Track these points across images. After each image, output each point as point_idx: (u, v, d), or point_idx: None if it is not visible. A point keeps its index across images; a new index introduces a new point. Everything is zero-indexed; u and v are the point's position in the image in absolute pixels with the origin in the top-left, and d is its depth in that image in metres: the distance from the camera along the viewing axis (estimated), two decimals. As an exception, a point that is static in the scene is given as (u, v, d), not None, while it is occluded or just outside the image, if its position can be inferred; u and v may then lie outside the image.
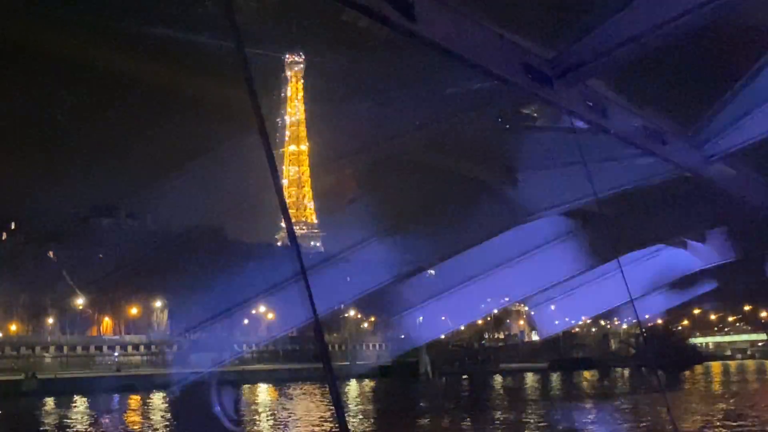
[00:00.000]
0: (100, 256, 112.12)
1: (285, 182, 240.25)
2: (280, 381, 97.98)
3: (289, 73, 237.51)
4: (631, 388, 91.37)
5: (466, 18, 4.23)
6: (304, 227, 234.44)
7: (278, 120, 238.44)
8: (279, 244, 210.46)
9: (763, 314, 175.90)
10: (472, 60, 4.30)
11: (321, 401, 71.81)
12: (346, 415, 51.99)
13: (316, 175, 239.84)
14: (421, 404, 70.66)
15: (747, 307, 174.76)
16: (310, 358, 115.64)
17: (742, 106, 6.46)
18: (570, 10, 5.59)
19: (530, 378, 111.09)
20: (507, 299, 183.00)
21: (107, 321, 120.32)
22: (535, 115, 5.75)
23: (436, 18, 3.93)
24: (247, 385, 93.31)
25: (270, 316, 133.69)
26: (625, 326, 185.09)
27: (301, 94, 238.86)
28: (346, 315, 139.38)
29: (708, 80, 6.44)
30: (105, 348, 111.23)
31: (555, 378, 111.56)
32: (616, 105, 5.41)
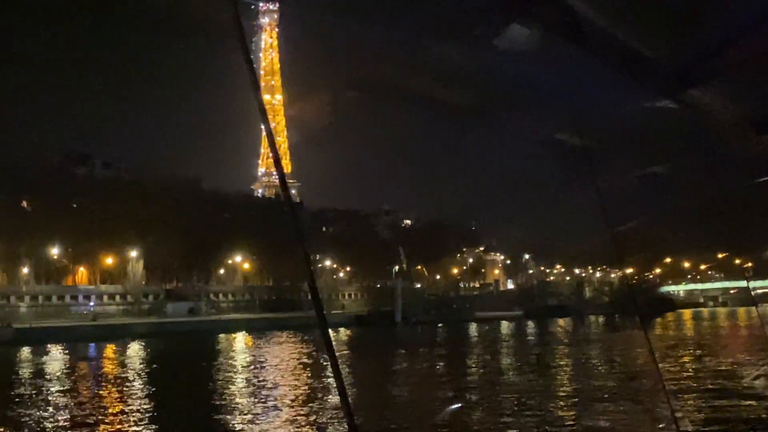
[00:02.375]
0: (74, 206, 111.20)
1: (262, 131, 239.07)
2: (256, 330, 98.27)
3: (263, 21, 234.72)
4: (604, 332, 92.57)
5: None
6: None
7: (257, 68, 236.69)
8: (257, 193, 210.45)
9: (737, 261, 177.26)
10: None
11: (296, 348, 72.21)
12: (322, 360, 52.21)
13: (292, 124, 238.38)
14: (395, 349, 71.16)
15: (720, 255, 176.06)
16: (286, 307, 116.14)
17: (722, 29, 6.34)
18: None
19: (504, 325, 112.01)
20: (482, 248, 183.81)
21: (83, 271, 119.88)
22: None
23: None
24: (223, 335, 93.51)
25: (246, 266, 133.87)
26: (598, 274, 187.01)
27: (275, 42, 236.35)
28: (322, 265, 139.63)
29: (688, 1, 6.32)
30: (80, 297, 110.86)
31: (530, 325, 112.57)
32: (595, 24, 5.29)
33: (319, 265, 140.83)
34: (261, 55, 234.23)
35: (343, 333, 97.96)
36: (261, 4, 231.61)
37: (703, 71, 6.48)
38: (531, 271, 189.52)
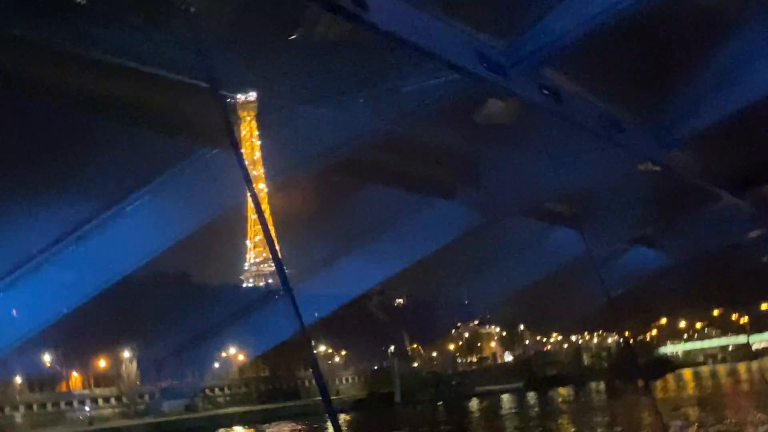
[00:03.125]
0: (64, 310, 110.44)
1: (246, 220, 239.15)
2: (255, 422, 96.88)
3: (241, 114, 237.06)
4: (606, 399, 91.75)
5: (418, 7, 4.22)
6: (272, 264, 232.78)
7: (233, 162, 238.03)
8: (246, 285, 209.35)
9: (733, 317, 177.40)
10: (425, 48, 4.28)
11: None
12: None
13: (277, 210, 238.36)
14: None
15: (716, 312, 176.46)
16: (283, 396, 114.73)
17: (696, 92, 6.49)
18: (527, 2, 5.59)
19: (505, 398, 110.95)
20: (477, 322, 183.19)
21: (76, 376, 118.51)
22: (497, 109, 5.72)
23: (388, 6, 3.91)
24: (222, 429, 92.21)
25: (241, 357, 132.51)
26: (596, 340, 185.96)
27: (255, 133, 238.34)
28: (317, 351, 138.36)
29: (663, 68, 6.46)
30: (75, 403, 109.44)
31: (530, 396, 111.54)
32: (571, 93, 5.41)
33: (314, 351, 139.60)
34: (241, 146, 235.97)
35: (343, 418, 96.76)
36: (239, 97, 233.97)
37: (680, 134, 6.62)
38: (527, 342, 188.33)
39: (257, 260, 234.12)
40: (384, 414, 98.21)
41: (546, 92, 5.03)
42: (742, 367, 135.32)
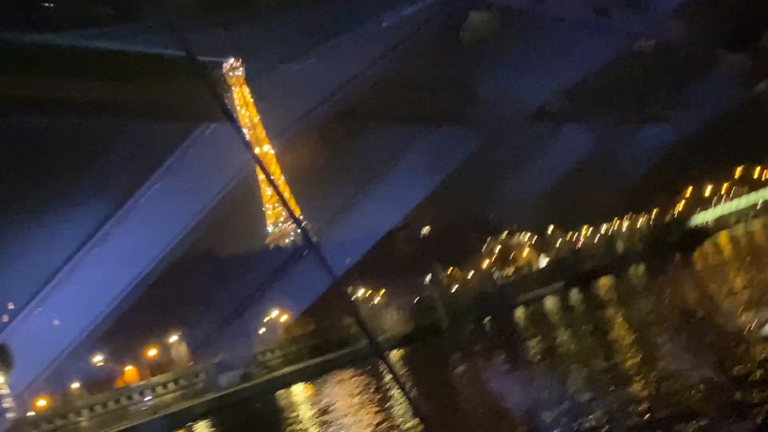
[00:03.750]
0: (104, 309, 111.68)
1: (259, 183, 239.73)
2: (312, 377, 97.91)
3: (230, 78, 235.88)
4: (649, 280, 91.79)
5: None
6: (293, 224, 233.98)
7: (234, 126, 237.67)
8: (271, 247, 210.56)
9: (756, 172, 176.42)
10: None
11: (356, 383, 71.76)
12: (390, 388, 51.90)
13: (286, 162, 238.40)
14: (452, 356, 70.89)
15: (738, 171, 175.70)
16: (333, 347, 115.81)
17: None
18: None
19: (549, 301, 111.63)
20: (505, 233, 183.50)
21: (130, 369, 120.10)
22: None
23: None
24: (282, 391, 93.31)
25: (284, 318, 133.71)
26: (626, 224, 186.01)
27: (248, 97, 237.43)
28: (356, 295, 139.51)
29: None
30: (135, 396, 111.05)
31: (573, 293, 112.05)
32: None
33: (354, 297, 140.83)
34: (237, 110, 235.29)
35: (396, 354, 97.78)
36: (224, 64, 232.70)
37: (666, 4, 6.50)
38: (559, 242, 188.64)
39: (279, 222, 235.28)
40: (434, 343, 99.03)
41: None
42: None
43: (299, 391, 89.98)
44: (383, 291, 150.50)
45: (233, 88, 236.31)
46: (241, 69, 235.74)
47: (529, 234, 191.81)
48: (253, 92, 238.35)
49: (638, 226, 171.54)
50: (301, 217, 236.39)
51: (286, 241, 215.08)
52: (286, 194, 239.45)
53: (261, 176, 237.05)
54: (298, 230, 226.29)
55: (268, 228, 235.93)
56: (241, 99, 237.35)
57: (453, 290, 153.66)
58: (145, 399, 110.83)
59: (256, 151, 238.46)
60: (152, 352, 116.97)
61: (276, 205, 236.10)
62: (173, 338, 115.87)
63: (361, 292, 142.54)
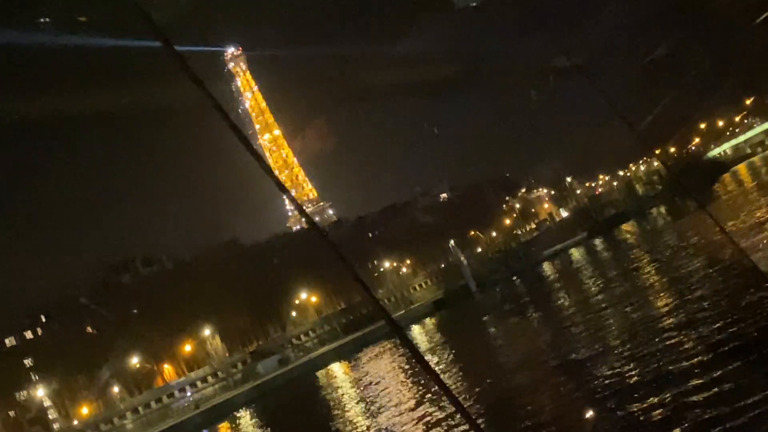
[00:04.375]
0: (135, 311, 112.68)
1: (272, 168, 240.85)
2: (348, 354, 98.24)
3: (233, 67, 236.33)
4: (671, 221, 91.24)
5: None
6: (309, 205, 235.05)
7: (242, 114, 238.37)
8: (294, 229, 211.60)
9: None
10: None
11: (392, 356, 72.06)
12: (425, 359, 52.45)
13: (298, 147, 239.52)
14: (484, 318, 71.11)
15: (747, 100, 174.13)
16: (366, 322, 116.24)
17: None
18: None
19: (575, 252, 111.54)
20: (524, 190, 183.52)
21: (167, 367, 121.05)
22: None
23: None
24: (321, 371, 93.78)
25: (314, 299, 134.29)
26: (643, 167, 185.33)
27: (253, 84, 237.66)
28: (383, 269, 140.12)
29: None
30: (176, 393, 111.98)
31: (598, 243, 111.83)
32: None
33: (381, 269, 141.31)
34: (243, 98, 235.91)
35: (429, 322, 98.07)
36: (225, 53, 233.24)
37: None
38: (578, 192, 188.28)
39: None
40: (466, 306, 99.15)
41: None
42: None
43: (337, 369, 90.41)
44: (409, 261, 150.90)
45: (237, 75, 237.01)
46: (241, 57, 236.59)
47: (546, 188, 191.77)
48: (257, 78, 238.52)
49: (655, 167, 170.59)
50: (317, 197, 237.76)
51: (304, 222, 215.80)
52: (300, 176, 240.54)
53: (273, 161, 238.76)
54: (318, 213, 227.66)
55: (288, 211, 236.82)
56: (246, 85, 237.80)
57: (478, 251, 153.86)
58: (187, 394, 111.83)
59: (266, 136, 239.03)
60: (187, 348, 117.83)
61: (293, 186, 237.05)
62: (206, 331, 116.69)
63: (387, 264, 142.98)
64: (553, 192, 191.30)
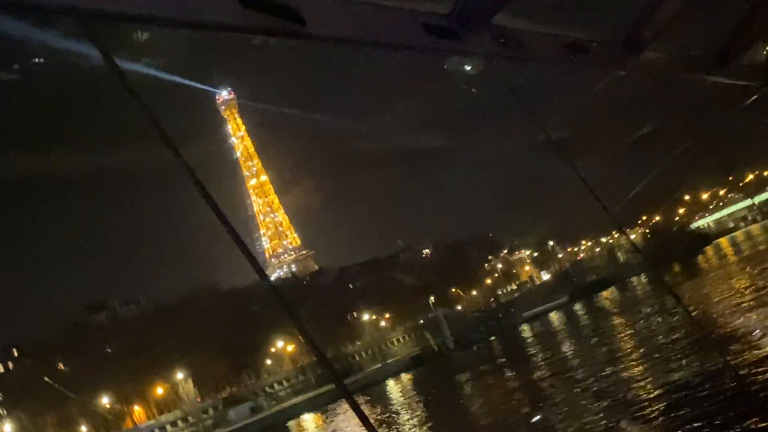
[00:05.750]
0: (109, 350, 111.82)
1: (257, 215, 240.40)
2: (321, 405, 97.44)
3: (224, 110, 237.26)
4: (651, 290, 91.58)
5: (353, 2, 4.24)
6: (292, 252, 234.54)
7: (231, 158, 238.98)
8: (272, 277, 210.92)
9: (750, 177, 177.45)
10: (369, 40, 4.32)
11: (366, 410, 71.29)
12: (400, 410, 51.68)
13: (285, 200, 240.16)
14: (459, 377, 70.90)
15: (731, 176, 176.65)
16: (340, 375, 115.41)
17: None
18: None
19: (554, 316, 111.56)
20: (506, 251, 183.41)
21: (138, 409, 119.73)
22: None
23: (323, 13, 3.95)
24: (292, 422, 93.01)
25: (290, 348, 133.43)
26: (631, 235, 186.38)
27: (243, 129, 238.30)
28: (361, 321, 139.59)
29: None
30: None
31: (577, 307, 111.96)
32: (530, 32, 5.43)
33: (360, 322, 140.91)
34: (233, 142, 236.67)
35: (405, 378, 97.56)
36: (217, 96, 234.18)
37: (644, 37, 6.63)
38: (560, 256, 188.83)
39: (275, 252, 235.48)
40: (442, 364, 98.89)
41: (503, 41, 5.05)
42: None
43: (309, 421, 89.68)
44: (388, 315, 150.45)
45: (228, 119, 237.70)
46: (234, 101, 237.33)
47: (529, 251, 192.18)
48: (247, 124, 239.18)
49: (639, 236, 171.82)
50: (300, 245, 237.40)
51: (284, 270, 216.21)
52: (285, 223, 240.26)
53: (258, 209, 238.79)
54: (298, 261, 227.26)
55: (266, 258, 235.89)
56: (235, 129, 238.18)
57: (458, 309, 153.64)
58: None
59: (252, 182, 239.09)
60: (159, 390, 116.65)
61: (272, 236, 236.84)
62: (180, 375, 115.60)
63: (366, 317, 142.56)
64: (535, 254, 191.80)
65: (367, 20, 4.12)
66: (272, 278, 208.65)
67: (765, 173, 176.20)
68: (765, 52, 8.33)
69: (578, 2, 6.52)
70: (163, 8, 3.34)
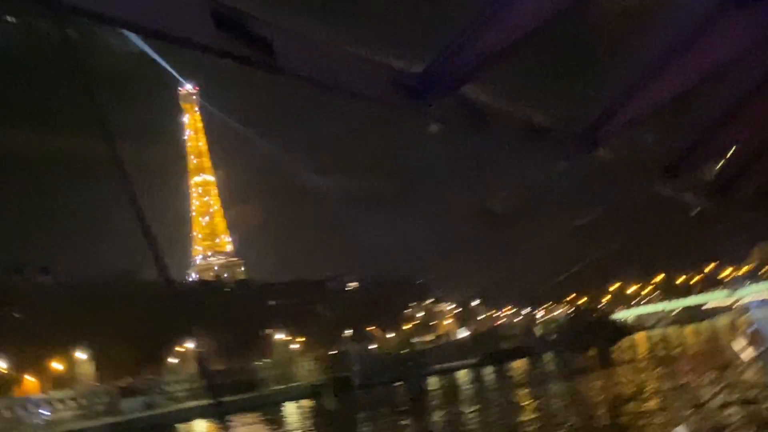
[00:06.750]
0: (16, 315, 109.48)
1: (193, 213, 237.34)
2: (220, 414, 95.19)
3: (184, 104, 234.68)
4: (561, 369, 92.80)
5: (327, 44, 4.33)
6: (221, 257, 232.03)
7: (183, 152, 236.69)
8: (194, 277, 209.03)
9: (678, 281, 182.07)
10: (335, 84, 4.41)
11: (264, 428, 70.97)
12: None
13: (227, 205, 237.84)
14: (357, 415, 70.74)
15: (660, 277, 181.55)
16: (241, 388, 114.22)
17: (618, 88, 6.75)
18: (440, 18, 5.73)
19: (462, 375, 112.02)
20: (431, 300, 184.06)
21: (30, 380, 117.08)
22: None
23: (295, 48, 4.03)
24: (183, 425, 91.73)
25: (199, 351, 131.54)
26: (554, 312, 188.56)
27: (199, 125, 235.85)
28: (273, 338, 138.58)
29: (587, 67, 6.67)
30: (31, 407, 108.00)
31: (487, 371, 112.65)
32: (494, 108, 5.58)
33: (271, 339, 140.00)
34: (186, 136, 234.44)
35: (306, 404, 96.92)
36: (180, 88, 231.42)
37: (602, 134, 6.82)
38: (482, 317, 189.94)
39: (207, 254, 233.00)
40: (344, 398, 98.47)
41: (468, 111, 5.18)
42: (690, 328, 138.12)
43: (201, 428, 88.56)
44: (303, 338, 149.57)
45: (185, 112, 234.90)
46: (195, 96, 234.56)
47: (453, 305, 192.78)
48: (205, 123, 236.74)
49: (560, 314, 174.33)
50: (233, 252, 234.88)
51: (211, 274, 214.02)
52: (221, 227, 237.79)
53: (196, 208, 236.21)
54: (225, 266, 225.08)
55: (193, 258, 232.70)
56: (192, 125, 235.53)
57: (371, 347, 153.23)
58: (42, 412, 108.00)
59: (197, 178, 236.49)
60: (57, 366, 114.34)
61: (204, 237, 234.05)
62: (81, 355, 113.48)
63: (279, 336, 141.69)
64: (458, 310, 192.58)
65: (336, 64, 4.22)
66: (193, 278, 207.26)
67: (691, 282, 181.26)
68: (713, 171, 8.64)
69: (547, 88, 6.71)
70: (137, 14, 3.40)
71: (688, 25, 5.62)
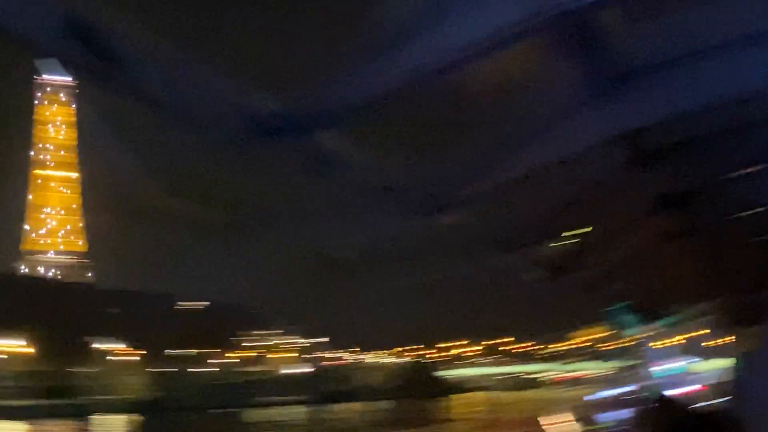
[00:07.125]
0: None
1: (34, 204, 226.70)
2: (32, 418, 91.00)
3: (48, 94, 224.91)
4: (389, 416, 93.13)
5: (184, 69, 4.13)
6: (74, 257, 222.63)
7: (40, 143, 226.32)
8: (22, 271, 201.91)
9: (508, 347, 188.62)
10: (181, 111, 4.21)
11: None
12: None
13: (90, 206, 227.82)
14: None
15: (488, 342, 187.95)
16: (56, 394, 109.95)
17: (480, 156, 6.72)
18: (308, 60, 5.62)
19: (289, 410, 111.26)
20: (273, 330, 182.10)
21: None
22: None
23: (148, 69, 3.83)
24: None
25: (31, 350, 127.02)
26: (390, 359, 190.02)
27: (61, 117, 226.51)
28: (101, 347, 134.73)
29: (450, 131, 6.69)
30: None
31: (313, 410, 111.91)
32: (348, 157, 5.47)
33: (97, 348, 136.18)
34: (51, 128, 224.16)
35: (134, 419, 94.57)
36: (39, 77, 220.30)
37: (451, 199, 6.87)
38: (321, 355, 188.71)
39: (35, 248, 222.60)
40: (165, 418, 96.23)
41: (320, 159, 5.06)
42: (517, 395, 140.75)
43: (5, 428, 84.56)
44: (137, 351, 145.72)
45: (50, 102, 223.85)
46: (63, 87, 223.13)
47: (297, 337, 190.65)
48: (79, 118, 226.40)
49: (398, 363, 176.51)
50: (85, 253, 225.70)
51: (40, 268, 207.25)
52: (77, 227, 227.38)
53: (35, 198, 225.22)
54: (66, 266, 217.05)
55: (23, 249, 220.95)
56: (53, 116, 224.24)
57: (193, 372, 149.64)
58: None
59: (59, 174, 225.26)
60: None
61: (39, 228, 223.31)
62: None
63: (109, 346, 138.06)
64: (301, 344, 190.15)
65: (190, 90, 4.01)
66: (23, 271, 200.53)
67: (528, 348, 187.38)
68: (549, 252, 8.85)
69: (405, 147, 6.74)
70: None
71: (551, 109, 5.70)
